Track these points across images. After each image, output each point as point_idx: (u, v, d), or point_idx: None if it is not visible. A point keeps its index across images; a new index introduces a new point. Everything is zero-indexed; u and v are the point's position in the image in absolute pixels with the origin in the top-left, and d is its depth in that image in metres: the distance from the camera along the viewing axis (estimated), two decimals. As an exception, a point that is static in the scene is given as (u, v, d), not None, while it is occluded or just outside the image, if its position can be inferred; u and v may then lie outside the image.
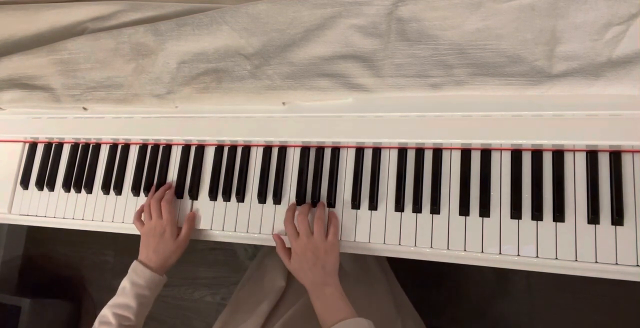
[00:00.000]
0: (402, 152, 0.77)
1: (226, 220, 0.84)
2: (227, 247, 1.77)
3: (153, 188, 0.88)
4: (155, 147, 0.91)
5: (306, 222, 0.74)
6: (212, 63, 0.80)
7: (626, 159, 0.68)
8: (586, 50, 0.64)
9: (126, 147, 0.93)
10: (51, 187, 0.96)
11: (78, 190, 0.94)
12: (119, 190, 0.91)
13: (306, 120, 0.78)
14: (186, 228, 0.83)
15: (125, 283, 0.77)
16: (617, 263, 0.65)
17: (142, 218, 0.85)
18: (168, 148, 0.90)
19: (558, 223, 0.68)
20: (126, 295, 0.75)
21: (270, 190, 0.82)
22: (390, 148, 0.78)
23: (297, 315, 0.74)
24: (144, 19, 0.87)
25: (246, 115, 0.82)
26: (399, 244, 0.74)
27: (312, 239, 0.73)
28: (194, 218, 0.85)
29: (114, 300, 0.76)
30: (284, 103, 0.79)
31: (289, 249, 0.76)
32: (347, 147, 0.80)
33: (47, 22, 0.92)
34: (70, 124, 0.93)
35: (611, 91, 0.64)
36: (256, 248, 1.67)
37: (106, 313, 0.74)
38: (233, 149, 0.86)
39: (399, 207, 0.75)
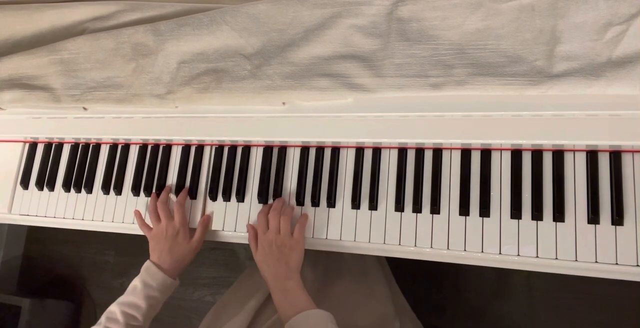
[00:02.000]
0: (402, 152, 0.77)
1: (226, 220, 0.84)
2: (227, 247, 1.78)
3: (154, 193, 0.87)
4: (155, 147, 0.91)
5: (277, 218, 0.75)
6: (212, 63, 0.80)
7: (626, 159, 0.67)
8: (586, 50, 0.64)
9: (126, 147, 0.93)
10: (51, 187, 0.96)
11: (78, 190, 0.94)
12: (119, 190, 0.91)
13: (306, 120, 0.78)
14: (200, 231, 0.83)
15: (136, 282, 0.76)
16: (617, 263, 0.65)
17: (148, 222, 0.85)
18: (168, 148, 0.90)
19: (558, 223, 0.68)
20: (137, 295, 0.75)
21: (271, 190, 0.82)
22: (390, 148, 0.78)
23: None
24: (144, 19, 0.87)
25: (246, 115, 0.82)
26: (399, 244, 0.74)
27: (279, 236, 0.74)
28: (208, 221, 0.84)
29: (124, 298, 0.75)
30: (284, 103, 0.79)
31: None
32: (347, 147, 0.80)
33: (47, 22, 0.92)
34: (70, 124, 0.93)
35: (611, 91, 0.64)
36: (256, 248, 1.67)
37: (115, 309, 0.73)
38: (233, 149, 0.86)
39: (399, 207, 0.75)
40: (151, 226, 0.84)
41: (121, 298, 0.75)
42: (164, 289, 0.77)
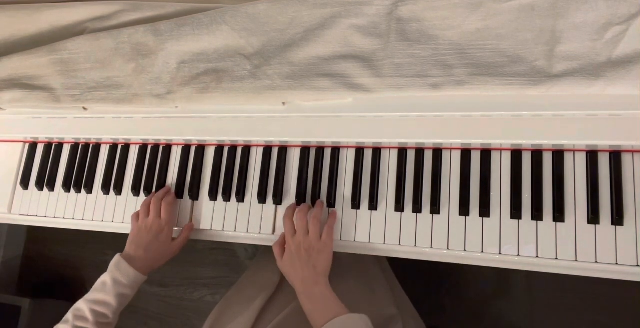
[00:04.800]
0: (402, 152, 0.77)
1: (226, 220, 0.84)
2: (227, 247, 1.77)
3: (154, 192, 0.88)
4: (155, 147, 0.91)
5: (305, 221, 0.74)
6: (212, 63, 0.80)
7: (626, 159, 0.68)
8: (586, 50, 0.64)
9: (126, 147, 0.93)
10: (51, 187, 0.96)
11: (78, 191, 0.94)
12: (119, 190, 0.91)
13: (306, 120, 0.78)
14: (183, 237, 0.83)
15: (106, 279, 0.74)
16: (617, 263, 0.65)
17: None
18: (168, 148, 0.90)
19: (558, 223, 0.68)
20: (107, 292, 0.73)
21: (270, 190, 0.82)
22: (390, 148, 0.78)
23: (292, 314, 0.74)
24: (144, 19, 0.87)
25: (246, 115, 0.82)
26: (399, 244, 0.74)
27: (308, 238, 0.73)
28: (192, 229, 0.84)
29: (93, 295, 0.73)
30: (284, 103, 0.79)
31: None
32: (347, 147, 0.80)
33: (47, 22, 0.92)
34: (70, 124, 0.93)
35: (611, 91, 0.64)
36: (256, 248, 1.68)
37: (83, 307, 0.71)
38: (233, 149, 0.86)
39: (399, 207, 0.75)
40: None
41: (89, 295, 0.73)
42: (135, 286, 0.77)
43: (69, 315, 0.71)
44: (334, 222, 0.76)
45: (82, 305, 0.72)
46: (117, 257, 0.78)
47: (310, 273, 0.70)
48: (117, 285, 0.74)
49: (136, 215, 0.84)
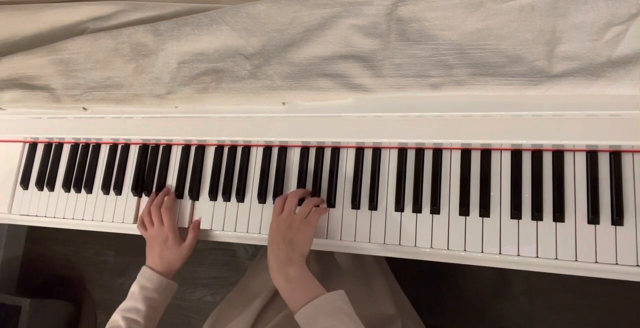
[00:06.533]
0: (402, 152, 0.77)
1: (226, 220, 0.84)
2: (227, 247, 1.78)
3: (153, 193, 0.88)
4: (155, 147, 0.91)
5: (294, 200, 0.75)
6: (212, 63, 0.80)
7: (626, 159, 0.67)
8: (586, 50, 0.64)
9: (126, 147, 0.93)
10: (51, 187, 0.96)
11: (78, 190, 0.94)
12: (119, 190, 0.91)
13: (306, 120, 0.78)
14: (191, 236, 0.83)
15: (134, 288, 0.78)
16: (617, 263, 0.65)
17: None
18: (168, 148, 0.90)
19: (558, 223, 0.68)
20: (135, 298, 0.76)
21: (271, 190, 0.82)
22: (390, 148, 0.78)
23: (290, 316, 0.74)
24: (144, 19, 0.87)
25: (246, 115, 0.82)
26: (399, 244, 0.74)
27: (293, 215, 0.73)
28: (199, 226, 0.84)
29: (124, 304, 0.76)
30: (284, 103, 0.79)
31: None
32: (347, 147, 0.80)
33: (47, 22, 0.92)
34: (70, 124, 0.93)
35: (611, 91, 0.64)
36: (256, 248, 1.68)
37: (116, 317, 0.74)
38: (233, 149, 0.86)
39: (399, 207, 0.75)
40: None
41: (121, 305, 0.76)
42: (162, 290, 0.78)
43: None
44: (324, 211, 0.77)
45: (115, 316, 0.75)
46: (143, 267, 0.81)
47: (284, 249, 0.68)
48: (143, 290, 0.76)
49: (142, 225, 0.85)
